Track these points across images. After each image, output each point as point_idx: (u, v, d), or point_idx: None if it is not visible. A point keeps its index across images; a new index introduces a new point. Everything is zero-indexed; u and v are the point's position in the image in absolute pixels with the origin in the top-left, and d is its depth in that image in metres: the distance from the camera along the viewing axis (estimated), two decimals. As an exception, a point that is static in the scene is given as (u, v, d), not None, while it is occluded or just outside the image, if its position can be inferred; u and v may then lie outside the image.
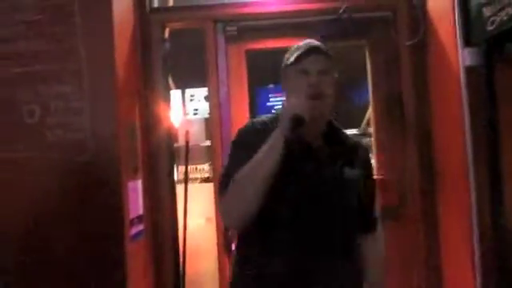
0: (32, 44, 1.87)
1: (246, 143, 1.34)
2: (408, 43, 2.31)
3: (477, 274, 1.93)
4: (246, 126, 1.43)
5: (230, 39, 2.42)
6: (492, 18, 1.75)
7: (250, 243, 1.37)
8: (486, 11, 1.78)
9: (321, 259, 1.31)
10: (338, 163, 1.38)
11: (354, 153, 1.45)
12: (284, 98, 1.48)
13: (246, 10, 2.37)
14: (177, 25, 2.45)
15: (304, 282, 1.29)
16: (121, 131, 1.84)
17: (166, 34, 2.40)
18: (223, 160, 2.08)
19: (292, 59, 1.37)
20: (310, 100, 1.29)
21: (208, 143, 3.38)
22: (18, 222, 1.79)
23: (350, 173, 1.39)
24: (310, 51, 1.36)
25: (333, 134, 1.44)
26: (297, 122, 1.23)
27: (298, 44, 1.42)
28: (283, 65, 1.43)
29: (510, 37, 1.73)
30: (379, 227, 1.52)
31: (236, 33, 2.42)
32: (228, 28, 2.42)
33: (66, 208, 1.78)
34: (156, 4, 2.41)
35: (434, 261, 2.26)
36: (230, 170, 1.30)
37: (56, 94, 1.84)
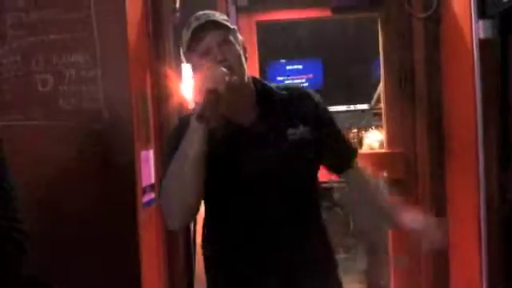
0: (45, 13, 1.88)
1: (176, 144, 1.23)
2: (421, 16, 2.28)
3: (483, 249, 1.95)
4: (174, 126, 1.40)
5: (241, 10, 2.41)
6: (508, -10, 1.72)
7: (214, 236, 1.41)
8: (502, -18, 1.75)
9: (285, 236, 1.29)
10: (278, 131, 1.29)
11: (294, 108, 1.32)
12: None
13: (258, -19, 2.35)
14: (188, -6, 2.43)
15: (272, 261, 1.29)
16: (133, 100, 1.85)
17: (177, 4, 2.38)
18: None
19: (188, 42, 1.26)
20: (218, 69, 1.17)
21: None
22: (32, 188, 1.82)
23: (295, 133, 1.29)
24: (202, 29, 1.23)
25: (267, 103, 1.31)
26: (211, 96, 1.11)
27: (189, 23, 1.27)
28: (183, 49, 1.31)
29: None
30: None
31: (247, 3, 2.40)
32: (239, -2, 2.41)
33: (80, 175, 1.82)
34: (167, -27, 2.39)
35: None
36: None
37: (69, 63, 1.85)
